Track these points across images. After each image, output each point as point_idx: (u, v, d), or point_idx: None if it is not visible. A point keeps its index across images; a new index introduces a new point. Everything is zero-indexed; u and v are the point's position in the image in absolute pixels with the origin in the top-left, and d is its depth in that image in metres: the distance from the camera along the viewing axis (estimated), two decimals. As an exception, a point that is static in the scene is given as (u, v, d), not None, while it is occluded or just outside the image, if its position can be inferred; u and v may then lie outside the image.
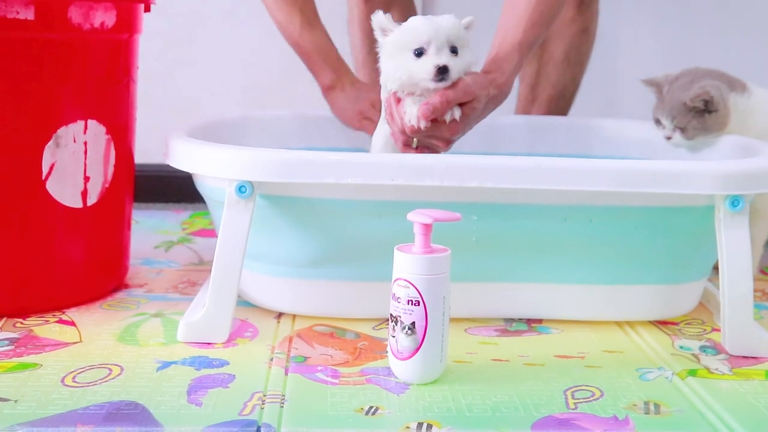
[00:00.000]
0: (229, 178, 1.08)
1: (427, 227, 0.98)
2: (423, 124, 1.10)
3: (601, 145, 1.50)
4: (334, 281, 1.16)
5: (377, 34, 1.14)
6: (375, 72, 1.21)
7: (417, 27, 1.10)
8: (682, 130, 1.32)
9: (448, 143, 1.15)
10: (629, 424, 0.91)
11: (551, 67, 1.63)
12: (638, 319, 1.21)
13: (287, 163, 1.08)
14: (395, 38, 1.12)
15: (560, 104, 1.66)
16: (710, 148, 1.34)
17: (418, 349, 0.98)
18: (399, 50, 1.11)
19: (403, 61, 1.10)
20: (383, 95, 1.18)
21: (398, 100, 1.13)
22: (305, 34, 1.44)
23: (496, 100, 1.17)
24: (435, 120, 1.10)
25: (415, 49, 1.10)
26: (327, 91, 1.47)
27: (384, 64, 1.14)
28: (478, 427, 0.90)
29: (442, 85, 1.09)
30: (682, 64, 1.96)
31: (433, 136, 1.13)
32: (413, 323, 0.97)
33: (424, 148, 1.15)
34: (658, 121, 1.36)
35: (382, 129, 1.22)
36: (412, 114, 1.10)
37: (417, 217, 0.98)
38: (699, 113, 1.31)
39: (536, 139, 1.51)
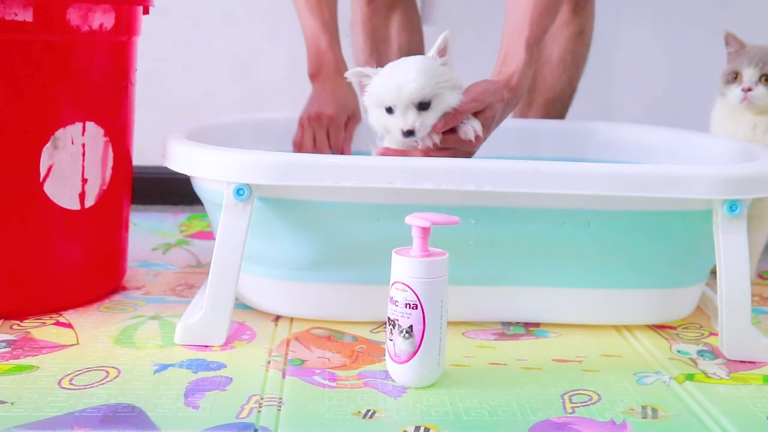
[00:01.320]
0: (227, 180, 1.08)
1: (425, 230, 0.98)
2: (437, 138, 1.13)
3: (598, 148, 1.49)
4: (332, 284, 1.16)
5: (357, 86, 1.16)
6: None
7: (380, 91, 1.12)
8: None
9: (469, 155, 1.17)
10: (627, 429, 0.91)
11: (547, 71, 1.63)
12: (636, 323, 1.21)
13: (285, 165, 1.08)
14: (370, 93, 1.14)
15: (557, 107, 1.66)
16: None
17: (415, 352, 0.98)
18: (375, 105, 1.14)
19: (380, 115, 1.14)
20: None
21: None
22: (306, 17, 1.45)
23: (512, 103, 1.18)
24: (457, 138, 1.13)
25: (386, 107, 1.12)
26: (310, 78, 1.49)
27: (369, 113, 1.16)
28: (476, 431, 0.90)
29: (411, 140, 1.11)
30: (681, 67, 1.96)
31: (455, 154, 1.14)
32: (411, 327, 0.97)
33: None
34: (734, 76, 1.35)
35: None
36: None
37: (415, 221, 0.98)
38: None
39: (533, 143, 1.51)
